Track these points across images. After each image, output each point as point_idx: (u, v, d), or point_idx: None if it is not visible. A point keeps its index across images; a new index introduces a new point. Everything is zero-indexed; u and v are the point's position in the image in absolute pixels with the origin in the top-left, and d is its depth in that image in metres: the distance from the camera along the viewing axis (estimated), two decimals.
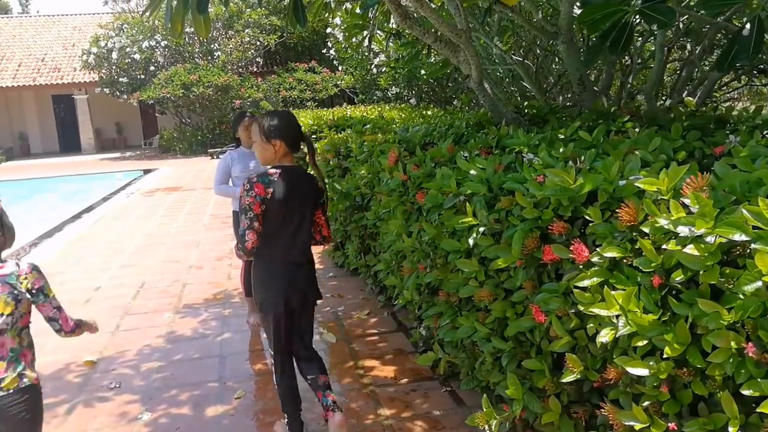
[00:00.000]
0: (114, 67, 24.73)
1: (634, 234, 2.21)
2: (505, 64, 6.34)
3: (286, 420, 3.31)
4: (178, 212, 11.07)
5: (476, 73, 4.41)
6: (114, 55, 24.09)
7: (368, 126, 7.21)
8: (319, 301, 3.64)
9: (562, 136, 3.52)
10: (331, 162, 6.02)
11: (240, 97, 23.56)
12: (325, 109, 17.49)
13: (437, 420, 3.46)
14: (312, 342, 3.44)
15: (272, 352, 3.32)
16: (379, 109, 11.77)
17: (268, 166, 3.17)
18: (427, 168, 3.76)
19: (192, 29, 24.32)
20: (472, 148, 3.72)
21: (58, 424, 3.68)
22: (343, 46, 17.31)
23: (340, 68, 21.69)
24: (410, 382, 3.96)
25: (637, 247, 2.15)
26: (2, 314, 2.32)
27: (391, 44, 7.23)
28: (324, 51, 22.96)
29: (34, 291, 2.44)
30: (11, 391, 2.33)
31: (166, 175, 17.62)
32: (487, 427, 2.74)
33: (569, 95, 7.09)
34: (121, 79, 24.80)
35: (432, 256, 3.52)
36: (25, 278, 2.43)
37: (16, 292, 2.38)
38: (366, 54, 16.34)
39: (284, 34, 25.97)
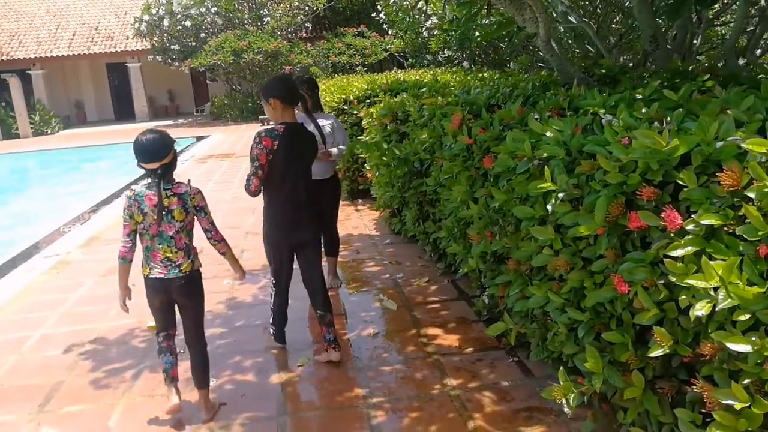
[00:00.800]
0: (165, 35, 24.92)
1: (735, 200, 2.04)
2: (567, 23, 6.07)
3: (273, 332, 4.10)
4: (231, 178, 11.13)
5: (544, 31, 4.21)
6: (165, 22, 24.25)
7: (424, 89, 7.03)
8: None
9: (640, 96, 3.32)
10: (388, 127, 5.89)
11: (290, 62, 23.49)
12: (376, 73, 17.34)
13: (506, 391, 3.37)
14: (317, 277, 3.97)
15: (273, 279, 4.02)
16: (432, 72, 11.53)
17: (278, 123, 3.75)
18: (495, 131, 3.61)
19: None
20: (543, 110, 3.55)
21: (126, 389, 3.73)
22: (393, 9, 17.04)
23: (390, 32, 21.37)
24: (475, 351, 3.87)
25: (740, 213, 1.99)
26: (179, 220, 3.14)
27: (446, 6, 7.00)
28: (374, 15, 22.68)
29: (198, 207, 3.20)
30: (187, 273, 3.20)
31: (218, 142, 17.78)
32: (564, 401, 2.63)
33: (630, 55, 6.77)
34: (172, 47, 24.99)
35: (501, 224, 3.39)
36: (193, 198, 3.18)
37: (186, 206, 3.15)
38: (417, 17, 16.05)
39: None
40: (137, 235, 3.18)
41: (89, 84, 30.11)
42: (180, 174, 12.38)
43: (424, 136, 4.61)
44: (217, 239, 3.32)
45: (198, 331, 3.37)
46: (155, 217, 3.08)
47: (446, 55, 15.77)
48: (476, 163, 3.83)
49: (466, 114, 4.16)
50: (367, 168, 6.98)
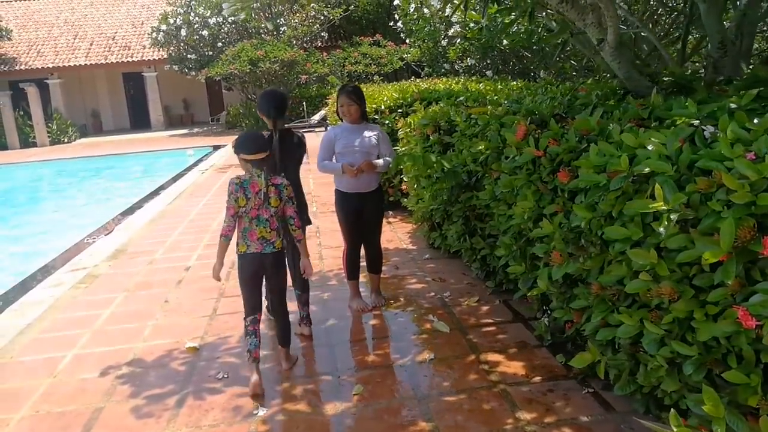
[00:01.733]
0: (182, 44, 24.80)
1: None
2: (626, 28, 5.75)
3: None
4: None
5: (613, 36, 3.91)
6: (183, 31, 24.13)
7: (461, 98, 6.75)
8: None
9: (734, 105, 3.01)
10: (430, 137, 5.60)
11: (306, 72, 23.32)
12: (393, 83, 17.10)
13: (588, 428, 3.05)
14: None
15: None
16: (458, 81, 11.30)
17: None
18: (569, 143, 3.31)
19: (258, 4, 24.14)
20: (624, 121, 3.25)
21: (170, 417, 3.43)
22: (414, 17, 16.79)
23: (407, 41, 21.14)
24: (544, 380, 3.55)
25: None
26: (274, 206, 3.66)
27: (485, 11, 6.73)
28: (390, 24, 22.47)
29: (287, 198, 3.74)
30: (278, 249, 3.74)
31: None
32: None
33: (688, 63, 6.46)
34: (189, 56, 24.87)
35: (583, 244, 3.09)
36: (286, 188, 3.74)
37: (281, 195, 3.70)
38: (438, 25, 15.79)
39: (349, 8, 25.51)
40: (237, 218, 3.67)
41: (105, 93, 30.05)
42: (201, 184, 12.15)
43: (480, 147, 4.31)
44: (296, 226, 3.81)
45: (282, 299, 3.90)
46: (257, 202, 3.60)
47: (466, 65, 15.50)
48: (545, 177, 3.54)
49: (529, 124, 3.87)
50: (405, 180, 6.69)
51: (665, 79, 4.36)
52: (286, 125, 4.70)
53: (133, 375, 3.99)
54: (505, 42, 11.21)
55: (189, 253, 6.88)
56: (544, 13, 5.93)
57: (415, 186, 6.17)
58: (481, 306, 4.72)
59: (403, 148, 6.67)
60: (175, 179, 13.03)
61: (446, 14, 14.67)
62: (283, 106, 4.26)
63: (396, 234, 7.03)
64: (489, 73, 14.16)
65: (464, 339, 4.17)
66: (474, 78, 13.23)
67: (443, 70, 17.25)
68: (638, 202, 2.52)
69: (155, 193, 11.59)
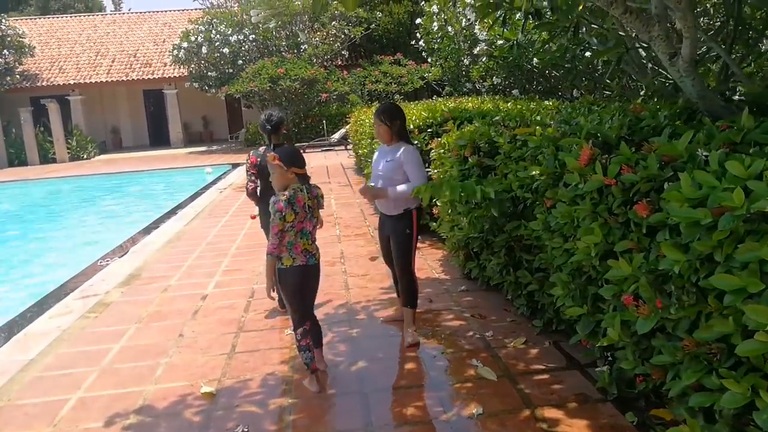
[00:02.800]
0: (203, 62, 24.63)
1: None
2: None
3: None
4: None
5: (689, 49, 3.43)
6: (204, 49, 23.97)
7: (497, 118, 6.28)
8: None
9: None
10: (469, 159, 5.13)
11: (326, 90, 23.02)
12: (413, 102, 16.74)
13: None
14: None
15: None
16: (485, 100, 10.87)
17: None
18: (650, 170, 2.82)
19: (279, 23, 23.93)
20: (713, 145, 2.77)
21: None
22: (437, 35, 16.41)
23: (428, 60, 20.80)
24: None
25: None
26: (316, 217, 3.87)
27: (524, 27, 6.28)
28: (412, 43, 22.15)
29: (321, 206, 3.93)
30: (318, 261, 3.91)
31: None
32: None
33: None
34: (210, 74, 24.70)
35: (673, 292, 2.59)
36: (321, 197, 3.92)
37: (320, 204, 3.89)
38: (462, 44, 15.39)
39: (370, 27, 25.26)
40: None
41: (126, 110, 30.00)
42: (219, 204, 11.76)
43: (534, 172, 3.82)
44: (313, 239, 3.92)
45: (313, 304, 4.08)
46: (302, 215, 3.67)
47: (490, 84, 15.08)
48: (615, 209, 3.05)
49: (592, 148, 3.38)
50: (438, 204, 6.21)
51: (739, 98, 3.87)
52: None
53: (143, 426, 3.52)
54: (535, 60, 10.76)
55: (206, 279, 6.43)
56: (584, 29, 5.49)
57: (450, 212, 5.69)
58: (529, 349, 4.21)
59: (435, 171, 6.20)
60: (192, 198, 12.66)
61: (474, 32, 14.29)
62: (277, 124, 5.01)
63: (426, 261, 6.54)
64: (515, 92, 13.73)
65: (514, 389, 3.66)
66: (498, 97, 12.81)
67: (465, 90, 16.87)
68: (757, 245, 2.03)
69: (172, 212, 11.21)
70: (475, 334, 4.52)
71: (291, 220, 3.61)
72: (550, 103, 8.37)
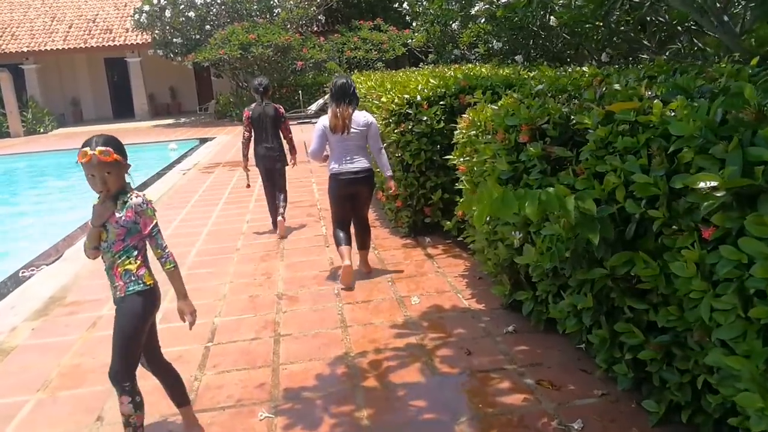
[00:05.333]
0: (167, 27, 22.40)
1: None
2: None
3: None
4: (246, 198, 8.67)
5: None
6: (167, 13, 21.72)
7: (540, 87, 4.55)
8: None
9: None
10: (529, 148, 3.41)
11: (302, 58, 21.02)
12: (403, 69, 15.04)
13: None
14: None
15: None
16: (492, 66, 9.19)
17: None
18: None
19: None
20: None
21: None
22: None
23: (413, 24, 18.90)
24: None
25: None
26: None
27: None
28: (395, 5, 20.19)
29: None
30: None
31: (224, 146, 15.30)
32: None
33: None
34: (175, 40, 22.51)
35: None
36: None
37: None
38: (453, 4, 13.56)
39: None
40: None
41: (86, 80, 27.62)
42: (180, 189, 9.89)
43: (710, 183, 2.14)
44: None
45: None
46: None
47: (482, 50, 13.33)
48: None
49: None
50: (469, 214, 4.47)
51: None
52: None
53: None
54: (551, 20, 9.02)
55: None
56: None
57: (489, 219, 3.99)
58: None
59: (463, 161, 4.49)
60: (150, 182, 10.76)
61: None
62: (266, 88, 6.53)
63: (446, 278, 4.87)
64: (518, 58, 11.98)
65: None
66: (495, 63, 11.15)
67: (452, 57, 15.10)
68: None
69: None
70: (555, 422, 2.87)
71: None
72: (587, 70, 6.66)
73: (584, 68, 6.84)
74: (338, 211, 5.02)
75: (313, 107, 19.72)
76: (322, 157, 4.92)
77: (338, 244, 4.91)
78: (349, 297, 4.62)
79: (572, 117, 3.25)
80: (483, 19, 12.20)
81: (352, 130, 4.76)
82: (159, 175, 11.32)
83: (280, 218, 6.45)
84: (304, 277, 5.14)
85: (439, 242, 5.81)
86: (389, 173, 4.99)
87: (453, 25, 13.95)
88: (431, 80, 6.09)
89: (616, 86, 3.52)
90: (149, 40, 23.62)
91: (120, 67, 26.43)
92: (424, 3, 15.32)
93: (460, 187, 4.60)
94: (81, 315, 4.64)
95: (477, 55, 13.85)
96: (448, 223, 5.66)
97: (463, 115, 4.61)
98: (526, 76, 6.36)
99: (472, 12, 12.21)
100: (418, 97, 5.77)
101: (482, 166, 4.00)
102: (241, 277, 5.28)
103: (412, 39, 21.17)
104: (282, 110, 6.64)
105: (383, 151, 4.98)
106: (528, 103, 3.77)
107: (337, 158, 4.86)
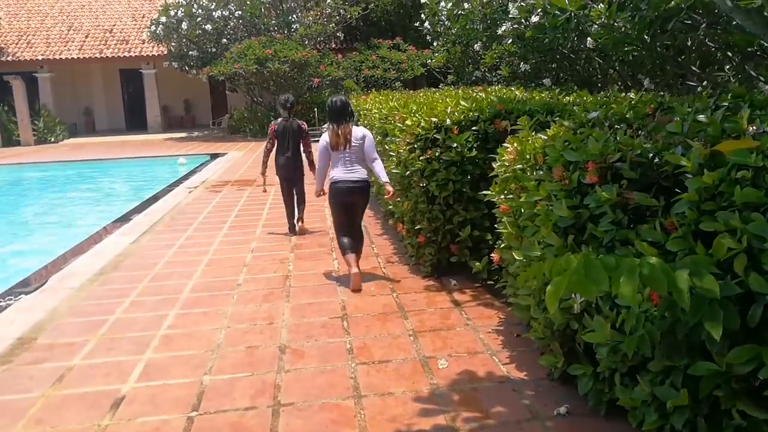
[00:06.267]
0: (184, 39, 21.96)
1: None
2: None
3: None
4: (253, 222, 7.99)
5: None
6: (184, 25, 21.29)
7: (595, 113, 3.84)
8: None
9: None
10: (601, 193, 2.69)
11: (318, 74, 20.46)
12: (423, 90, 14.43)
13: None
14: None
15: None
16: (519, 90, 8.51)
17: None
18: None
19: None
20: None
21: None
22: (451, 13, 13.90)
23: (434, 44, 18.31)
24: None
25: None
26: None
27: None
28: (416, 25, 19.64)
29: None
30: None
31: (235, 163, 14.67)
32: None
33: None
34: (190, 53, 22.07)
35: None
36: None
37: None
38: (477, 24, 12.92)
39: (368, 7, 22.63)
40: None
41: (100, 90, 27.24)
42: (184, 210, 9.24)
43: None
44: None
45: None
46: None
47: (505, 72, 12.65)
48: None
49: None
50: (502, 244, 3.73)
51: None
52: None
53: None
54: (588, 41, 8.33)
55: (132, 356, 3.99)
56: None
57: (536, 276, 3.26)
58: None
59: (505, 198, 3.77)
60: (155, 198, 10.11)
61: (496, 9, 11.83)
62: (292, 105, 7.08)
63: (477, 335, 4.13)
64: (546, 81, 11.29)
65: None
66: (518, 86, 10.50)
67: (473, 78, 14.44)
68: None
69: (125, 218, 8.70)
70: None
71: None
72: (633, 95, 5.95)
73: (630, 94, 6.14)
74: (341, 218, 5.36)
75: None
76: (326, 174, 5.37)
77: (344, 251, 5.28)
78: (365, 353, 3.90)
79: (656, 155, 2.54)
80: (510, 40, 11.54)
81: (352, 144, 5.18)
82: (163, 193, 10.67)
83: (299, 223, 7.14)
84: (312, 325, 4.42)
85: (467, 285, 5.09)
86: (386, 179, 5.22)
87: (475, 45, 13.33)
88: (462, 102, 5.40)
89: (701, 117, 2.81)
90: (165, 52, 23.21)
91: (135, 78, 26.03)
92: (447, 23, 14.74)
93: (501, 230, 3.88)
94: (49, 364, 3.94)
95: (499, 77, 13.20)
96: (478, 264, 4.95)
97: (506, 145, 3.89)
98: (565, 101, 5.65)
99: (499, 32, 11.56)
100: (448, 121, 5.08)
101: (531, 209, 3.28)
102: (239, 321, 4.57)
103: (431, 59, 20.60)
104: (305, 126, 7.15)
105: (378, 160, 5.30)
106: (590, 134, 3.06)
107: (338, 168, 5.24)
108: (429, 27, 16.18)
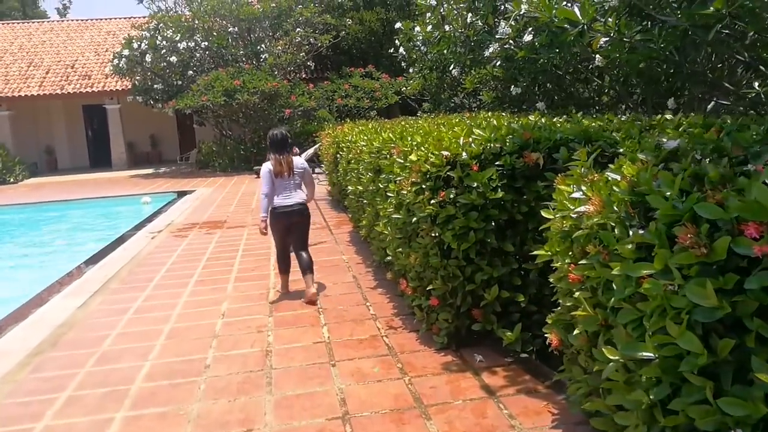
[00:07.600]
0: (148, 73, 20.75)
1: None
2: None
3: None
4: (224, 274, 6.79)
5: None
6: (148, 57, 20.10)
7: (677, 143, 2.80)
8: None
9: None
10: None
11: (290, 105, 19.38)
12: (395, 119, 13.45)
13: None
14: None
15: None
16: (524, 116, 7.56)
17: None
18: None
19: (236, 29, 20.34)
20: None
21: None
22: (431, 36, 12.99)
23: (409, 71, 17.38)
24: None
25: None
26: None
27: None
28: (390, 51, 18.75)
29: None
30: None
31: (204, 201, 13.42)
32: None
33: None
34: (155, 86, 20.82)
35: None
36: None
37: None
38: (460, 46, 12.00)
39: (339, 35, 21.71)
40: None
41: (62, 127, 25.74)
42: (144, 261, 7.90)
43: None
44: None
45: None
46: None
47: (488, 97, 11.72)
48: None
49: None
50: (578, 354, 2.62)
51: None
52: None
53: None
54: (597, 58, 7.39)
55: None
56: None
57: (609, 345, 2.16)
58: None
59: (595, 270, 2.69)
60: (111, 248, 8.82)
61: (482, 28, 10.87)
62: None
63: (511, 423, 3.01)
64: (540, 105, 10.35)
65: None
66: (502, 112, 9.57)
67: (452, 105, 13.47)
68: None
69: (76, 273, 7.42)
70: None
71: None
72: (669, 117, 4.95)
73: (667, 116, 5.16)
74: (280, 242, 5.78)
75: (304, 157, 17.99)
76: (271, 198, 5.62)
77: (282, 272, 5.87)
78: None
79: None
80: (498, 62, 10.57)
81: (294, 172, 5.66)
82: (122, 239, 9.39)
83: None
84: (304, 431, 3.26)
85: (496, 361, 3.97)
86: (302, 200, 5.74)
87: (453, 71, 12.38)
88: (476, 131, 4.34)
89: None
90: (129, 86, 21.96)
91: (98, 114, 24.66)
92: (422, 48, 13.76)
93: (563, 301, 2.79)
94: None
95: (480, 103, 12.25)
96: (510, 334, 3.87)
97: (584, 190, 2.74)
98: (599, 127, 4.63)
99: (486, 54, 10.57)
100: (464, 155, 4.01)
101: (631, 286, 2.19)
102: (207, 427, 3.38)
103: (406, 86, 19.67)
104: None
105: (314, 185, 5.96)
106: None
107: (277, 195, 5.62)
108: (404, 53, 15.23)
